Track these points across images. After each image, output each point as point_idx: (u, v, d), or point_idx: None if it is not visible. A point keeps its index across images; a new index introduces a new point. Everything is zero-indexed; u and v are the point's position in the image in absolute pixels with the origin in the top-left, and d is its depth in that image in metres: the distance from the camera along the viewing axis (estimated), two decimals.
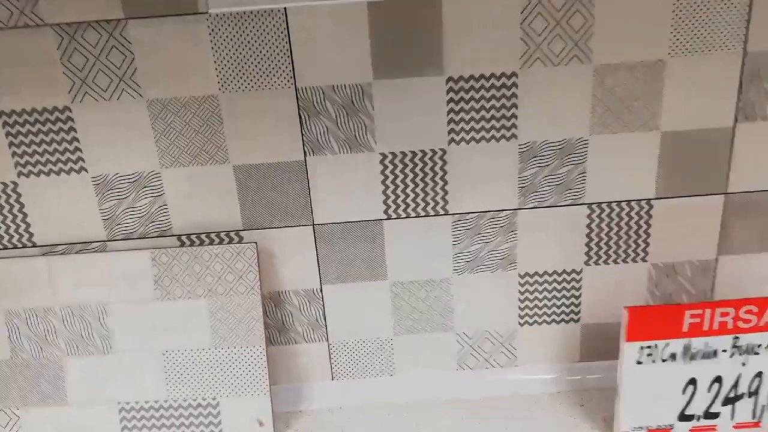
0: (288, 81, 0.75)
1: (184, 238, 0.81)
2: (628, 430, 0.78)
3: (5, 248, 0.81)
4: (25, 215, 0.80)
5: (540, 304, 0.86)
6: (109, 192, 0.79)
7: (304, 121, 0.77)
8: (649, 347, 0.74)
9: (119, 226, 0.81)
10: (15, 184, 0.78)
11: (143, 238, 0.81)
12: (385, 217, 0.81)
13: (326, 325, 0.86)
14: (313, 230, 0.81)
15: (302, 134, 0.77)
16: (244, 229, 0.81)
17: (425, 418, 0.85)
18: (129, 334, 0.80)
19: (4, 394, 0.82)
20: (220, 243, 0.81)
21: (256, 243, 0.79)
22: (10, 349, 0.81)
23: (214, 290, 0.79)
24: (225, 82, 0.74)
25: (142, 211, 0.80)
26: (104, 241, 0.81)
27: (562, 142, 0.78)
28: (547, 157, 0.79)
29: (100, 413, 0.82)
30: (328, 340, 0.87)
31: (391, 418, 0.86)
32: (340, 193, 0.80)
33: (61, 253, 0.81)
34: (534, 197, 0.81)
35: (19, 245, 0.81)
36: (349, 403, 0.88)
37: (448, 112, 0.76)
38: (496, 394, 0.88)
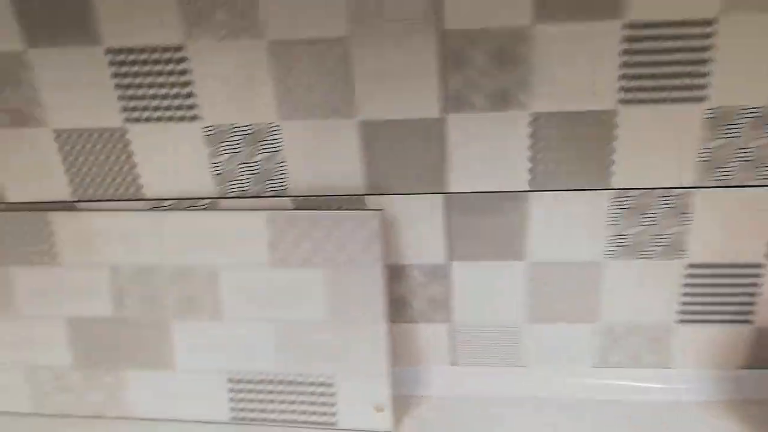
0: (431, 22, 0.63)
1: (300, 199, 0.73)
2: None
3: (109, 200, 0.75)
4: (133, 165, 0.73)
5: (706, 300, 0.73)
6: (222, 144, 0.71)
7: (446, 72, 0.65)
8: None
9: (231, 183, 0.73)
10: (123, 130, 0.71)
11: (257, 197, 0.73)
12: (532, 188, 0.69)
13: (451, 306, 0.77)
14: (446, 199, 0.71)
15: (443, 87, 0.66)
16: (367, 194, 0.71)
17: (558, 418, 0.75)
18: (240, 301, 0.73)
19: (106, 354, 0.77)
20: (339, 208, 0.72)
21: (382, 210, 0.70)
22: (113, 306, 0.76)
23: (333, 260, 0.71)
24: (358, 21, 0.64)
25: (258, 167, 0.72)
26: (215, 198, 0.74)
27: (763, 108, 0.63)
28: (741, 125, 0.64)
29: (208, 382, 0.76)
30: (451, 321, 0.77)
31: (518, 414, 0.76)
32: (480, 157, 0.69)
33: (170, 209, 0.74)
34: (717, 174, 0.67)
35: (125, 198, 0.75)
36: (470, 392, 0.79)
37: (622, 66, 0.63)
38: (641, 399, 0.76)
